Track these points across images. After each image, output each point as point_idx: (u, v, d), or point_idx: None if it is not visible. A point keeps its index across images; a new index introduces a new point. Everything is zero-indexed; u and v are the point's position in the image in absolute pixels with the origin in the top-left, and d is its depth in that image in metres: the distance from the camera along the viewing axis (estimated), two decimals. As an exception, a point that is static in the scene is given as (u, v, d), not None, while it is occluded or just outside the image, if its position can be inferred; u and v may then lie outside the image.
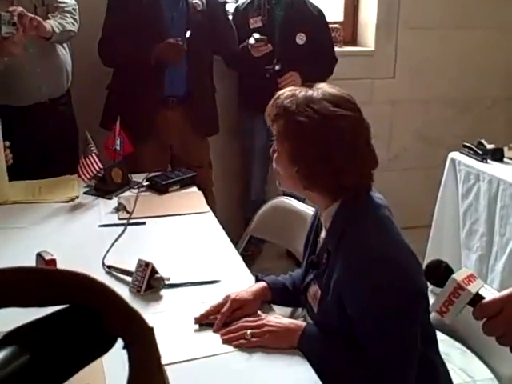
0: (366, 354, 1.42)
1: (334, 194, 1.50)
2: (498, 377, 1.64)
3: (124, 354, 0.65)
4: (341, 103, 1.47)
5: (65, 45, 2.94)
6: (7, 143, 2.35)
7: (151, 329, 0.66)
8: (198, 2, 3.05)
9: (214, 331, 1.55)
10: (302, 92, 1.49)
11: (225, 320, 1.57)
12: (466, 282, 1.08)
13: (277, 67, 3.29)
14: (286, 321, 1.60)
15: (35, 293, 0.62)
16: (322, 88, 1.49)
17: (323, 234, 1.57)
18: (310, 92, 1.48)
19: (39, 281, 0.62)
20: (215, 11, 3.09)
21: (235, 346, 1.49)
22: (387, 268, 1.40)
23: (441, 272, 1.13)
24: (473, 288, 1.07)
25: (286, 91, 1.52)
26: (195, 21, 3.03)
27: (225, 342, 1.51)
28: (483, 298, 1.06)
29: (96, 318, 0.63)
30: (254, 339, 1.50)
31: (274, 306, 1.72)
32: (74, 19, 2.85)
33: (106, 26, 3.03)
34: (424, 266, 1.20)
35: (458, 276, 1.09)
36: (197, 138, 3.21)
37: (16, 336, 0.58)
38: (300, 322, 1.61)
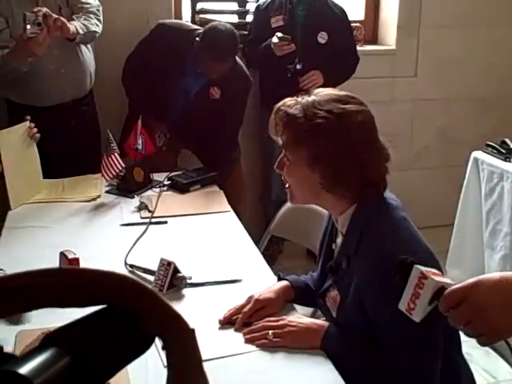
0: (388, 356, 1.41)
1: (356, 194, 1.48)
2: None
3: (149, 356, 0.65)
4: (348, 100, 1.47)
5: (88, 45, 2.96)
6: (27, 118, 2.38)
7: (192, 331, 0.65)
8: (217, 90, 2.99)
9: (235, 330, 1.55)
10: (303, 99, 1.47)
11: (247, 320, 1.57)
12: (430, 273, 1.09)
13: (298, 66, 3.28)
14: (308, 321, 1.60)
15: (73, 293, 0.62)
16: (322, 91, 1.49)
17: (339, 240, 1.56)
18: (312, 97, 1.47)
19: (77, 281, 0.63)
20: (231, 102, 3.05)
21: (257, 346, 1.49)
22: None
23: (406, 265, 1.13)
24: (437, 278, 1.08)
25: (286, 101, 1.50)
26: (205, 105, 2.99)
27: (247, 341, 1.51)
28: None
29: (134, 318, 0.63)
30: (275, 339, 1.50)
31: (296, 306, 1.71)
32: (98, 20, 2.87)
33: (129, 64, 3.07)
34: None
35: (423, 268, 1.10)
36: None
37: (56, 338, 0.58)
38: (322, 322, 1.60)
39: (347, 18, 3.46)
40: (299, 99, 1.48)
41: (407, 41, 3.94)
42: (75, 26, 2.67)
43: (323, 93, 1.48)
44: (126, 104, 3.19)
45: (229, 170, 3.16)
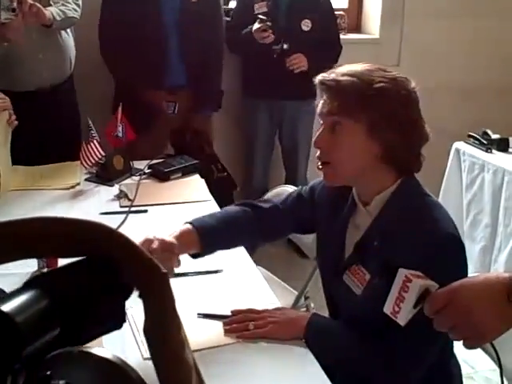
0: (386, 341, 1.39)
1: (403, 169, 1.45)
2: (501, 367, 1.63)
3: (127, 340, 0.64)
4: (387, 69, 1.45)
5: (68, 30, 2.92)
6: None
7: (164, 274, 0.67)
8: None
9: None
10: (341, 71, 1.42)
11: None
12: (415, 276, 1.08)
13: (285, 46, 3.27)
14: (290, 312, 1.59)
15: (55, 243, 0.66)
16: (353, 65, 1.45)
17: (361, 219, 1.50)
18: (349, 68, 1.43)
19: (58, 231, 0.66)
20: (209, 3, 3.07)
21: (238, 337, 1.47)
22: (459, 247, 1.39)
23: (391, 268, 1.12)
24: (421, 281, 1.07)
25: (324, 75, 1.44)
26: (187, 10, 3.00)
27: (227, 332, 1.49)
28: None
29: (112, 267, 0.65)
30: (257, 330, 1.48)
31: (278, 298, 1.69)
32: (77, 5, 2.84)
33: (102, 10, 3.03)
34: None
35: (407, 271, 1.09)
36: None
37: (38, 281, 0.61)
38: (304, 313, 1.59)
39: (331, 6, 3.45)
40: (336, 71, 1.43)
41: (390, 30, 3.94)
42: (51, 12, 2.63)
43: (360, 65, 1.45)
44: (106, 90, 3.14)
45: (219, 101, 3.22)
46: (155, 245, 1.42)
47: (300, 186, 1.76)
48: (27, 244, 0.65)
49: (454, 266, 1.35)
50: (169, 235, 1.49)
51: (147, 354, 1.38)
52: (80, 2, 2.87)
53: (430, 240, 1.35)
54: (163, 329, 0.69)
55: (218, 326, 1.52)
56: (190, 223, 1.56)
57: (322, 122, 1.47)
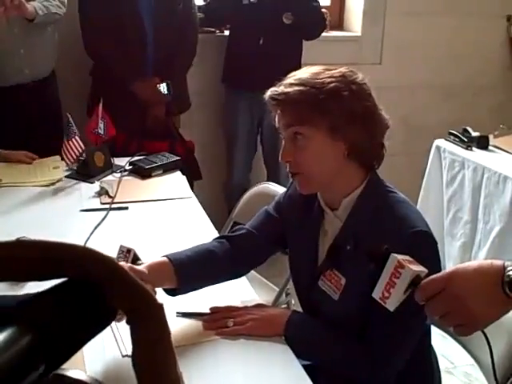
0: (365, 338, 1.41)
1: (368, 167, 1.47)
2: (478, 362, 1.65)
3: (106, 337, 0.62)
4: (331, 68, 1.45)
5: (51, 27, 2.90)
6: None
7: (161, 305, 0.64)
8: None
9: None
10: (288, 81, 1.43)
11: None
12: (406, 262, 1.08)
13: (261, 41, 3.29)
14: (270, 309, 1.59)
15: (34, 267, 0.60)
16: (299, 71, 1.46)
17: (329, 223, 1.51)
18: (296, 77, 1.43)
19: (37, 254, 0.60)
20: None
21: (217, 334, 1.47)
22: (431, 242, 1.39)
23: (382, 252, 1.12)
24: (413, 267, 1.07)
25: (273, 89, 1.44)
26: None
27: (206, 329, 1.49)
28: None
29: (97, 291, 0.61)
30: (236, 327, 1.48)
31: (258, 295, 1.70)
32: (61, 2, 2.83)
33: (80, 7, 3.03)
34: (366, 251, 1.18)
35: (399, 256, 1.09)
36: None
37: (17, 314, 0.55)
38: (284, 310, 1.59)
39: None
40: (284, 82, 1.43)
41: (372, 28, 3.95)
42: (34, 6, 2.62)
43: (304, 71, 1.46)
44: (88, 87, 3.13)
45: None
46: None
47: (265, 207, 1.72)
48: (5, 268, 0.60)
49: (429, 262, 1.36)
50: (143, 265, 1.46)
51: (126, 352, 1.38)
52: (65, 1, 2.86)
53: (403, 238, 1.34)
54: (159, 363, 0.64)
55: (197, 323, 1.52)
56: (166, 256, 1.52)
57: (282, 136, 1.47)
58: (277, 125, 1.47)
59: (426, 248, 1.37)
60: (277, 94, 1.43)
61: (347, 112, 1.39)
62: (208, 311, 1.54)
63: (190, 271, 1.51)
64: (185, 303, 1.57)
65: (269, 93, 1.45)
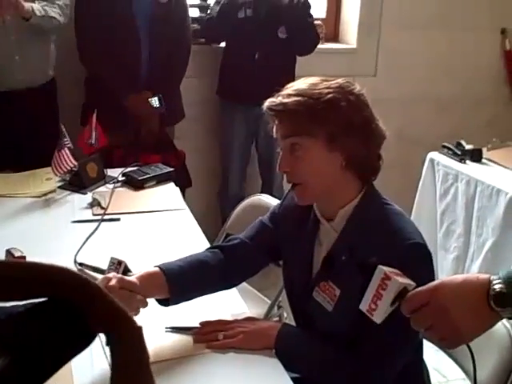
0: (356, 351, 1.40)
1: (364, 178, 1.48)
2: (470, 377, 1.64)
3: (95, 354, 0.62)
4: (328, 79, 1.46)
5: (50, 36, 2.92)
6: None
7: (139, 328, 0.63)
8: None
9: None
10: (287, 92, 1.44)
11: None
12: (393, 274, 1.08)
13: (256, 56, 3.30)
14: (260, 322, 1.59)
15: (14, 287, 0.59)
16: (297, 82, 1.47)
17: (324, 234, 1.51)
18: (293, 88, 1.44)
19: (18, 274, 0.60)
20: (178, 4, 3.12)
21: (207, 347, 1.47)
22: (426, 255, 1.40)
23: (369, 265, 1.12)
24: (400, 279, 1.07)
25: (270, 100, 1.45)
26: (157, 13, 3.05)
27: (196, 342, 1.48)
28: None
29: (77, 312, 0.60)
30: (226, 340, 1.47)
31: (249, 307, 1.69)
32: (63, 12, 2.85)
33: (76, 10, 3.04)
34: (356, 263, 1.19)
35: (386, 268, 1.09)
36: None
37: None
38: (274, 323, 1.59)
39: (308, 13, 3.45)
40: (282, 93, 1.44)
41: (368, 40, 3.96)
42: (32, 6, 2.65)
43: (302, 81, 1.46)
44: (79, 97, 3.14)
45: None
46: (113, 282, 1.38)
47: (260, 218, 1.72)
48: None
49: (423, 274, 1.36)
50: (134, 276, 1.46)
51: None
52: (67, 12, 2.90)
53: (398, 250, 1.35)
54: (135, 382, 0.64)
55: (187, 338, 1.51)
56: (158, 266, 1.52)
57: (280, 145, 1.48)
58: (274, 135, 1.48)
59: (421, 260, 1.38)
60: (275, 105, 1.44)
61: (345, 122, 1.40)
62: (198, 325, 1.54)
63: (182, 281, 1.50)
64: (175, 317, 1.57)
65: (267, 103, 1.46)
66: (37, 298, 0.60)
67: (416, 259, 1.36)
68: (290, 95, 1.42)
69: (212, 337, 1.48)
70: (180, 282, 1.50)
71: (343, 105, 1.40)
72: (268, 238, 1.66)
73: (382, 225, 1.43)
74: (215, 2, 3.47)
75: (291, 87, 1.45)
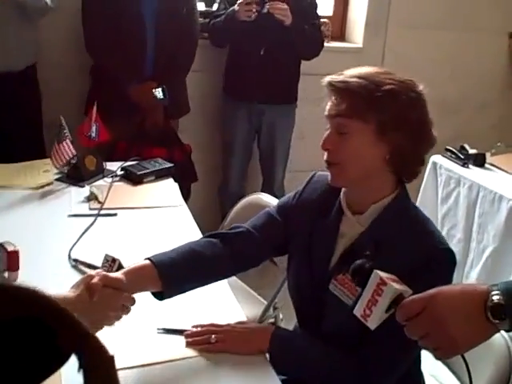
0: (359, 352, 1.38)
1: (400, 179, 1.47)
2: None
3: None
4: (393, 72, 1.46)
5: (35, 21, 2.88)
6: None
7: (111, 357, 0.61)
8: None
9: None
10: (350, 74, 1.42)
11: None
12: (389, 279, 1.06)
13: (261, 52, 3.27)
14: (253, 325, 1.57)
15: None
16: (361, 69, 1.45)
17: (349, 227, 1.48)
18: (358, 71, 1.43)
19: None
20: None
21: (200, 351, 1.44)
22: (454, 264, 1.40)
23: (365, 270, 1.11)
24: (396, 285, 1.05)
25: (333, 76, 1.43)
26: (164, 4, 3.03)
27: (188, 345, 1.46)
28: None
29: (46, 332, 0.58)
30: (218, 343, 1.45)
31: (244, 311, 1.66)
32: None
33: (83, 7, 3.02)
34: (351, 267, 1.17)
35: (383, 273, 1.08)
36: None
37: None
38: (267, 326, 1.56)
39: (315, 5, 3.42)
40: (345, 73, 1.43)
41: (374, 39, 3.93)
42: None
43: (368, 68, 1.45)
44: (73, 85, 3.09)
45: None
46: (95, 280, 1.32)
47: (267, 209, 1.68)
48: None
49: (444, 280, 1.34)
50: (121, 271, 1.41)
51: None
52: None
53: (429, 252, 1.37)
54: None
55: (179, 339, 1.48)
56: (148, 258, 1.46)
57: (329, 123, 1.45)
58: (326, 112, 1.46)
59: (447, 267, 1.39)
60: (337, 81, 1.42)
61: (400, 116, 1.39)
62: (190, 328, 1.51)
63: (174, 273, 1.44)
64: (167, 318, 1.55)
65: (328, 78, 1.44)
66: (4, 317, 0.57)
67: (443, 264, 1.37)
68: (352, 76, 1.41)
69: (204, 340, 1.45)
70: (173, 274, 1.44)
71: (402, 98, 1.39)
72: (275, 231, 1.62)
73: (415, 226, 1.44)
74: (220, 1, 3.44)
75: (355, 69, 1.44)
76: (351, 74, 1.42)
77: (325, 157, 1.47)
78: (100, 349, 0.60)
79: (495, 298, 0.99)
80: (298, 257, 1.59)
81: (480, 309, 1.00)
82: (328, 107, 1.45)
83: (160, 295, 1.46)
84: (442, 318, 1.00)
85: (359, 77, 1.40)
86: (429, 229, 1.43)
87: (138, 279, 1.41)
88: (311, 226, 1.55)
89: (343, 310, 1.41)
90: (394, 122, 1.39)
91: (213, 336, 1.45)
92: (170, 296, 1.46)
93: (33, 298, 0.58)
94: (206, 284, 1.56)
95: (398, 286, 1.06)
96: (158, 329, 1.51)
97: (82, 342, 0.59)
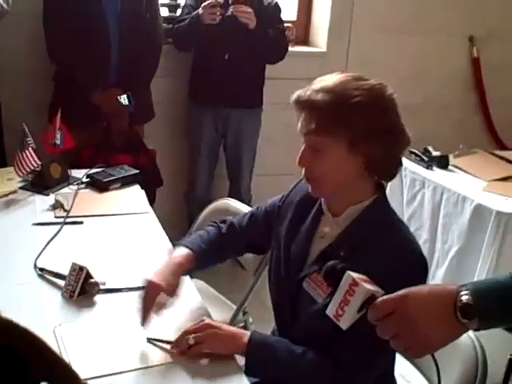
0: (334, 352, 1.39)
1: (377, 184, 1.49)
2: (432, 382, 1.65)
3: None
4: (364, 78, 1.46)
5: None
6: None
7: (82, 382, 0.61)
8: None
9: (142, 325, 1.49)
10: (317, 86, 1.41)
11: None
12: (361, 280, 1.08)
13: (226, 56, 3.28)
14: (229, 327, 1.56)
15: None
16: (330, 77, 1.45)
17: (328, 229, 1.51)
18: (325, 82, 1.42)
19: None
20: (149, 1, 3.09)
21: (179, 355, 1.43)
22: (426, 270, 1.41)
23: (337, 271, 1.12)
24: (368, 286, 1.07)
25: (299, 93, 1.43)
26: (127, 9, 3.01)
27: (174, 356, 1.43)
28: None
29: (16, 359, 0.58)
30: (197, 346, 1.42)
31: (213, 314, 1.66)
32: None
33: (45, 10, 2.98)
34: (323, 268, 1.19)
35: (355, 274, 1.09)
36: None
37: None
38: (243, 330, 1.56)
39: (278, 10, 3.43)
40: (312, 87, 1.41)
41: (338, 43, 3.96)
42: None
43: (334, 77, 1.44)
44: (44, 96, 3.07)
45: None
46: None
47: (255, 206, 1.79)
48: None
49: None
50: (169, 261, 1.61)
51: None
52: (11, 1, 2.81)
53: (404, 257, 1.38)
54: None
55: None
56: (188, 247, 1.65)
57: (303, 139, 1.47)
58: (298, 129, 1.46)
59: (419, 272, 1.40)
60: (303, 100, 1.42)
61: (369, 129, 1.39)
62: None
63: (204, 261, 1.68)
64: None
65: (295, 95, 1.44)
66: None
67: (416, 269, 1.39)
68: (320, 90, 1.40)
69: (184, 345, 1.44)
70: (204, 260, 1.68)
71: (369, 110, 1.39)
72: (255, 229, 1.72)
73: (390, 230, 1.44)
74: (184, 6, 3.43)
75: (322, 81, 1.43)
76: (318, 87, 1.41)
77: (303, 172, 1.50)
78: (71, 375, 0.60)
79: (464, 298, 1.00)
80: (277, 255, 1.63)
81: (449, 309, 1.01)
82: (299, 124, 1.46)
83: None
84: (412, 318, 1.02)
85: (326, 91, 1.39)
86: (404, 234, 1.45)
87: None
88: (293, 225, 1.60)
89: (314, 307, 1.44)
90: (364, 135, 1.40)
91: (191, 337, 1.43)
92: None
93: (2, 326, 0.57)
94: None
95: (369, 287, 1.07)
96: (148, 338, 1.49)
97: (52, 369, 0.59)
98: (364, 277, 1.10)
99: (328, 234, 1.51)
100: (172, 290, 1.55)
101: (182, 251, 1.64)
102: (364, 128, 1.39)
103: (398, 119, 1.46)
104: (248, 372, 1.43)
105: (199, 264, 1.66)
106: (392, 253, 1.38)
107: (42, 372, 0.58)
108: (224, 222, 1.79)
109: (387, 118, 1.43)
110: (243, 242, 1.77)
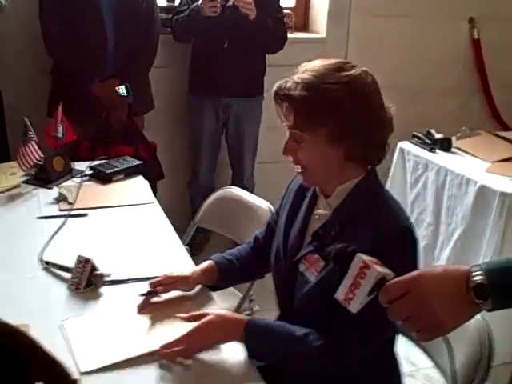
0: (332, 330, 1.39)
1: (370, 164, 1.49)
2: (438, 366, 1.65)
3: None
4: (345, 67, 1.44)
5: None
6: None
7: (75, 380, 0.62)
8: None
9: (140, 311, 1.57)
10: (298, 78, 1.40)
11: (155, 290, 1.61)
12: (372, 262, 1.07)
13: (225, 45, 3.26)
14: (229, 313, 1.56)
15: None
16: (312, 66, 1.43)
17: (322, 211, 1.52)
18: (306, 74, 1.40)
19: None
20: None
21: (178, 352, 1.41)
22: (415, 241, 1.41)
23: (347, 253, 1.12)
24: (379, 268, 1.06)
25: (280, 84, 1.43)
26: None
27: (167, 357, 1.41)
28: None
29: (12, 358, 0.58)
30: (195, 337, 1.41)
31: (218, 301, 1.67)
32: None
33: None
34: (332, 252, 1.19)
35: (365, 257, 1.08)
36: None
37: None
38: (242, 315, 1.56)
39: (279, 5, 3.42)
40: (294, 79, 1.41)
41: (337, 29, 3.94)
42: None
43: (315, 67, 1.42)
44: (36, 86, 3.06)
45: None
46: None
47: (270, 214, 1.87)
48: None
49: (410, 258, 1.39)
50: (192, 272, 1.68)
51: (84, 368, 1.34)
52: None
53: (391, 230, 1.38)
54: None
55: (158, 333, 1.48)
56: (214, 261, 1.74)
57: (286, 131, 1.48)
58: (280, 118, 1.48)
59: (408, 243, 1.40)
60: (282, 94, 1.43)
61: (347, 124, 1.40)
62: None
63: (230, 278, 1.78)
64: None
65: (276, 87, 1.45)
66: None
67: (406, 242, 1.39)
68: (298, 84, 1.40)
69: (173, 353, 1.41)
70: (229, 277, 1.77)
71: (348, 105, 1.39)
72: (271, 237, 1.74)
73: (379, 206, 1.45)
74: None
75: (304, 72, 1.42)
76: (299, 79, 1.40)
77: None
78: (66, 375, 0.60)
79: (477, 278, 1.00)
80: (278, 240, 1.65)
81: (463, 289, 1.01)
82: (281, 116, 1.47)
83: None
84: (425, 300, 1.01)
85: (306, 84, 1.39)
86: (393, 210, 1.45)
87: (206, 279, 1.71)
88: (292, 211, 1.63)
89: (307, 286, 1.47)
90: (341, 130, 1.40)
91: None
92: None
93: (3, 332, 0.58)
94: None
95: (381, 269, 1.06)
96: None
97: (47, 369, 0.59)
98: (374, 259, 1.09)
99: (322, 215, 1.53)
100: (183, 283, 1.64)
101: (205, 262, 1.74)
102: (343, 124, 1.40)
103: (380, 108, 1.46)
104: (249, 353, 1.43)
105: (224, 276, 1.74)
106: (379, 230, 1.37)
107: (37, 372, 0.59)
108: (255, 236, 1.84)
109: (367, 111, 1.42)
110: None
